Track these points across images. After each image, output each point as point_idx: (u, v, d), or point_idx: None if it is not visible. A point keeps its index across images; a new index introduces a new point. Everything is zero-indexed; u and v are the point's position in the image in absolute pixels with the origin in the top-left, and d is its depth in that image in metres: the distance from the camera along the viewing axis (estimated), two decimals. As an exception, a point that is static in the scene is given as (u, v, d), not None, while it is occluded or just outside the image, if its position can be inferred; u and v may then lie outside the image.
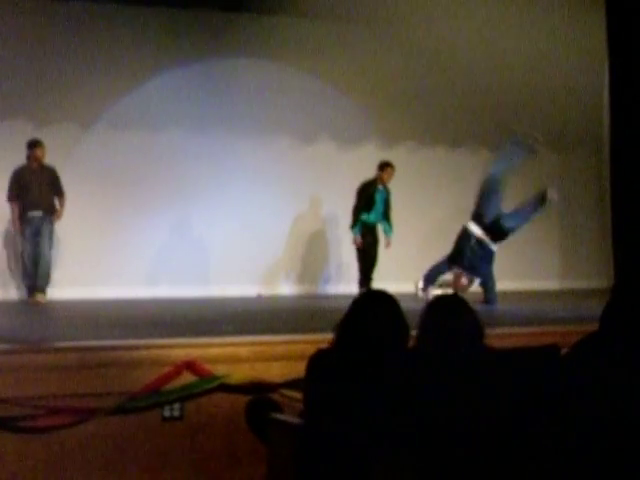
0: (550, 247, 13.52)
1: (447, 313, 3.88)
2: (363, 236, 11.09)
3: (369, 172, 11.21)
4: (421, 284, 10.06)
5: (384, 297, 3.89)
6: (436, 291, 10.97)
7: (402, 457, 3.44)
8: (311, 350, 3.87)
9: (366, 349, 3.69)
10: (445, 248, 12.67)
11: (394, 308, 3.84)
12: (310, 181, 12.42)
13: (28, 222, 10.43)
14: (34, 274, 10.44)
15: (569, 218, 13.66)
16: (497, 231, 9.78)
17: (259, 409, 5.19)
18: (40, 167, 10.57)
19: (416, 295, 11.33)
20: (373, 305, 3.85)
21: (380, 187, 11.17)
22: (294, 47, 12.15)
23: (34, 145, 10.53)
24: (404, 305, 3.90)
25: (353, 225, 11.06)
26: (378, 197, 11.13)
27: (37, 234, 10.39)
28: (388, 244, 11.28)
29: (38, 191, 10.45)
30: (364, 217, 11.04)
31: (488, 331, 3.92)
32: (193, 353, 5.46)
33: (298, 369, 4.53)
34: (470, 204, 12.84)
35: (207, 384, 5.36)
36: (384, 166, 11.20)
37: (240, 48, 12.02)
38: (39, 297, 10.32)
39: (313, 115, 12.44)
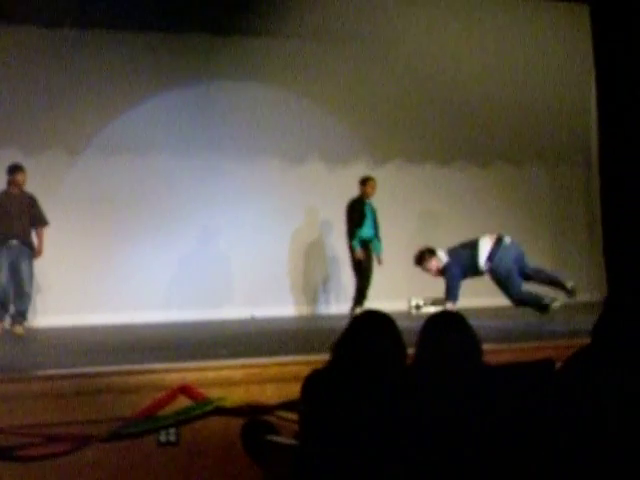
0: (541, 261, 13.51)
1: (445, 330, 3.90)
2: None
3: (358, 190, 11.21)
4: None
5: (382, 317, 3.90)
6: (432, 308, 11.00)
7: (399, 477, 3.43)
8: (305, 371, 3.87)
9: (364, 369, 3.69)
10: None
11: (392, 328, 3.85)
12: (301, 201, 12.43)
13: (5, 252, 9.96)
14: (13, 305, 10.04)
15: (559, 232, 13.69)
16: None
17: (255, 432, 5.18)
18: (20, 193, 10.14)
19: (409, 313, 11.37)
20: (371, 325, 3.85)
21: (367, 202, 11.16)
22: (282, 68, 12.18)
23: (15, 170, 10.12)
24: (397, 324, 3.91)
25: (352, 240, 10.99)
26: (368, 212, 11.12)
27: (14, 265, 9.93)
28: (380, 261, 11.23)
29: (18, 219, 10.02)
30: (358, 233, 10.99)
31: (483, 347, 3.93)
32: (187, 377, 5.45)
33: (292, 391, 4.54)
34: (459, 220, 12.91)
35: (202, 408, 5.34)
36: (366, 180, 11.19)
37: (228, 70, 12.04)
38: (17, 330, 9.88)
39: (302, 135, 12.46)
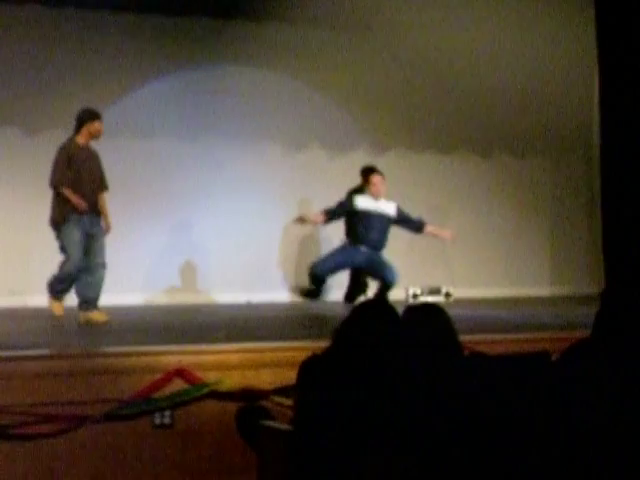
0: (540, 253, 13.54)
1: (423, 321, 3.94)
2: None
3: (359, 178, 11.21)
4: None
5: (384, 306, 3.91)
6: (429, 297, 11.03)
7: (395, 464, 3.44)
8: (301, 357, 3.87)
9: (364, 357, 3.70)
10: (434, 255, 12.71)
11: (394, 317, 3.86)
12: (301, 188, 12.41)
13: (77, 221, 8.34)
14: (86, 287, 8.46)
15: (559, 224, 13.68)
16: None
17: (250, 416, 5.18)
18: (88, 148, 8.35)
19: (407, 302, 11.36)
20: (373, 314, 3.86)
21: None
22: (284, 54, 12.15)
23: (95, 116, 8.31)
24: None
25: None
26: None
27: (86, 238, 8.35)
28: None
29: (90, 181, 8.31)
30: None
31: (479, 337, 3.94)
32: (184, 360, 5.46)
33: (288, 376, 4.55)
34: (460, 210, 12.92)
35: (198, 391, 5.35)
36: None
37: (230, 55, 12.01)
38: (93, 316, 8.32)
39: (303, 122, 12.44)
